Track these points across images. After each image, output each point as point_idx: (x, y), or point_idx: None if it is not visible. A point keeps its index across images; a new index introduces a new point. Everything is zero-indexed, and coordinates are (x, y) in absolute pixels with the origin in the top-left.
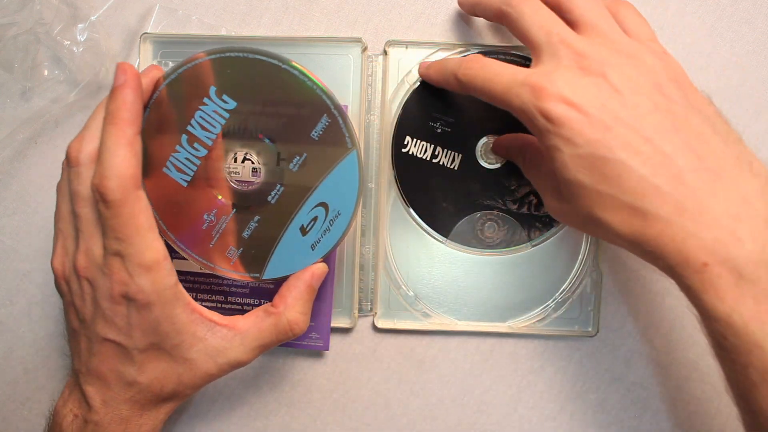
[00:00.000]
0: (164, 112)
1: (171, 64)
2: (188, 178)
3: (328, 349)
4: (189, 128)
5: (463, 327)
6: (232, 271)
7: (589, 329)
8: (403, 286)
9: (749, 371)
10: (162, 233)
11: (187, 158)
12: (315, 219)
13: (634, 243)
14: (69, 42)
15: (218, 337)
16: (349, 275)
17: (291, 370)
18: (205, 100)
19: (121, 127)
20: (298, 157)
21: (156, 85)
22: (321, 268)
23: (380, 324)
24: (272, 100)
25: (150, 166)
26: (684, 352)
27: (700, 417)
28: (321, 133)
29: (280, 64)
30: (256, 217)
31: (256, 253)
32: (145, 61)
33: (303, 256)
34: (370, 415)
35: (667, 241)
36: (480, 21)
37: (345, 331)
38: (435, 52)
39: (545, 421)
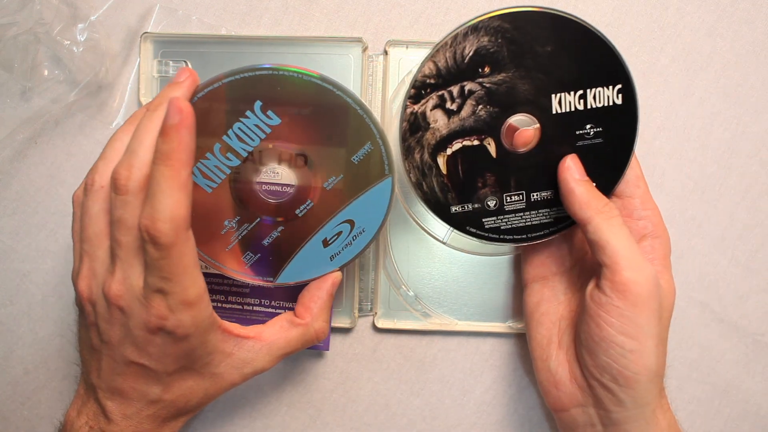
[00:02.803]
0: (200, 118)
1: (171, 64)
2: (214, 185)
3: (328, 349)
4: (225, 138)
5: (463, 327)
6: (243, 274)
7: None
8: (403, 286)
9: None
10: None
11: (216, 166)
12: (339, 234)
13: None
14: (69, 42)
15: (245, 350)
16: (349, 275)
17: (291, 370)
18: (248, 113)
19: (176, 169)
20: (334, 178)
21: (194, 93)
22: (339, 276)
23: (380, 324)
24: (319, 123)
25: None
26: (684, 352)
27: (700, 417)
28: (362, 158)
29: (335, 90)
30: (280, 228)
31: (273, 260)
32: (146, 61)
33: (320, 265)
34: (370, 415)
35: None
36: None
37: (345, 331)
38: None
39: (545, 421)
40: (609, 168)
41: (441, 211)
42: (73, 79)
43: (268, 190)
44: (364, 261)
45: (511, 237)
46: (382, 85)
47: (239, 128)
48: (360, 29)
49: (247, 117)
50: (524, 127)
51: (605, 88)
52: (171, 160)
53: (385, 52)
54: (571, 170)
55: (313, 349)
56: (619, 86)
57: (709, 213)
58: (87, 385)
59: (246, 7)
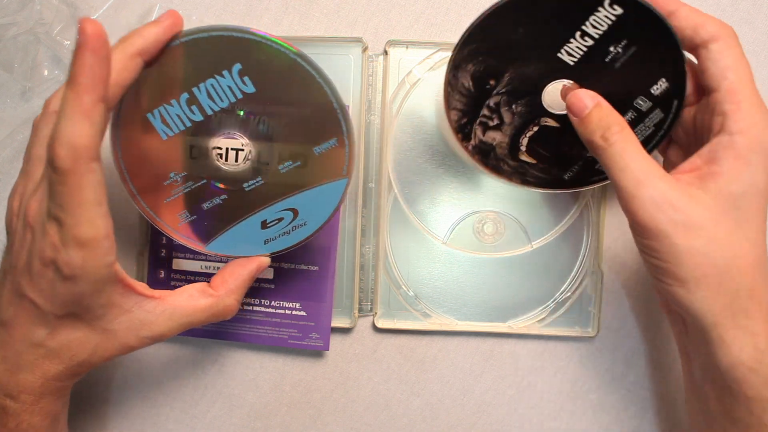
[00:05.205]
0: (173, 64)
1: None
2: (171, 134)
3: (328, 349)
4: (195, 90)
5: (463, 327)
6: (174, 230)
7: (589, 330)
8: (403, 286)
9: None
10: (117, 168)
11: (178, 115)
12: (280, 219)
13: (734, 291)
14: (69, 42)
15: (145, 310)
16: (349, 275)
17: (291, 370)
18: (224, 72)
19: (78, 93)
20: (291, 163)
21: (174, 37)
22: (266, 261)
23: (380, 324)
24: (292, 105)
25: (137, 105)
26: None
27: None
28: (324, 151)
29: (316, 75)
30: (224, 196)
31: (208, 226)
32: None
33: (254, 245)
34: (370, 415)
35: (757, 312)
36: None
37: (345, 331)
38: (435, 52)
39: (545, 421)
40: (666, 65)
41: (559, 184)
42: None
43: (223, 155)
44: (364, 261)
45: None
46: (382, 86)
47: (212, 85)
48: (360, 29)
49: (222, 76)
50: (564, 88)
51: (599, 12)
52: (73, 83)
53: (385, 52)
54: None
55: (313, 349)
56: (607, 1)
57: None
58: None
59: (246, 7)
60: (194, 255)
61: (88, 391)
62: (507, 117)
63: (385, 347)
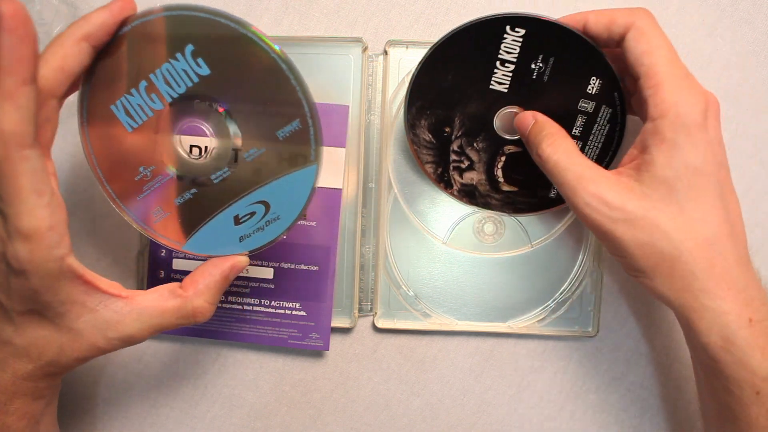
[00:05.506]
0: (129, 51)
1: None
2: (135, 125)
3: (328, 349)
4: (152, 76)
5: (463, 327)
6: (152, 230)
7: (589, 329)
8: (403, 286)
9: None
10: (91, 168)
11: (139, 105)
12: (252, 214)
13: (690, 272)
14: None
15: (111, 309)
16: (349, 275)
17: (291, 370)
18: (178, 55)
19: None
20: (256, 150)
21: (126, 21)
22: (243, 261)
23: (380, 324)
24: (250, 85)
25: (100, 99)
26: (684, 352)
27: (700, 417)
28: (288, 135)
29: (271, 52)
30: (194, 190)
31: (182, 223)
32: None
33: (229, 244)
34: (370, 415)
35: (725, 290)
36: None
37: (345, 331)
38: None
39: (545, 421)
40: (591, 63)
41: (549, 203)
42: None
43: (187, 145)
44: (364, 261)
45: None
46: (382, 86)
47: (167, 70)
48: (360, 29)
49: (176, 60)
50: (511, 115)
51: (506, 38)
52: None
53: (385, 52)
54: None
55: (313, 349)
56: (507, 26)
57: None
58: None
59: (246, 7)
60: (194, 255)
61: (89, 391)
62: (474, 156)
63: (385, 347)
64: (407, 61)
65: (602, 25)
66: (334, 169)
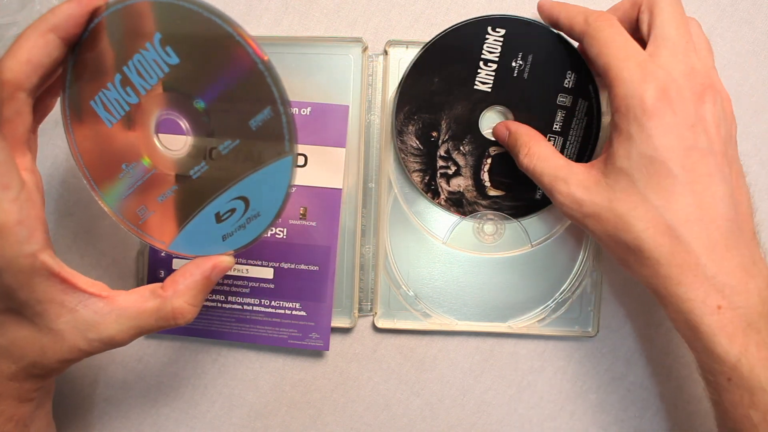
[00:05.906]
0: (103, 43)
1: None
2: (114, 120)
3: (328, 349)
4: (125, 69)
5: (463, 327)
6: (138, 230)
7: (589, 329)
8: (403, 286)
9: (751, 412)
10: (78, 166)
11: (116, 99)
12: (233, 211)
13: (655, 259)
14: None
15: (91, 309)
16: (349, 275)
17: (291, 370)
18: (148, 45)
19: None
20: (230, 141)
21: (97, 12)
22: (226, 261)
23: (380, 324)
24: (219, 73)
25: (82, 96)
26: (684, 351)
27: (700, 417)
28: (260, 125)
29: (236, 37)
30: (174, 187)
31: (167, 222)
32: None
33: (212, 243)
34: (370, 415)
35: (689, 277)
36: None
37: (345, 331)
38: None
39: (545, 421)
40: (566, 59)
41: (535, 205)
42: None
43: (163, 139)
44: (364, 261)
45: None
46: (382, 85)
47: (139, 60)
48: (360, 29)
49: (146, 49)
50: (492, 123)
51: (488, 39)
52: None
53: (385, 52)
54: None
55: (313, 349)
56: (488, 27)
57: None
58: None
59: (246, 7)
60: (182, 255)
61: (89, 390)
62: (461, 160)
63: (385, 347)
64: (407, 61)
65: (566, 28)
66: (334, 169)
